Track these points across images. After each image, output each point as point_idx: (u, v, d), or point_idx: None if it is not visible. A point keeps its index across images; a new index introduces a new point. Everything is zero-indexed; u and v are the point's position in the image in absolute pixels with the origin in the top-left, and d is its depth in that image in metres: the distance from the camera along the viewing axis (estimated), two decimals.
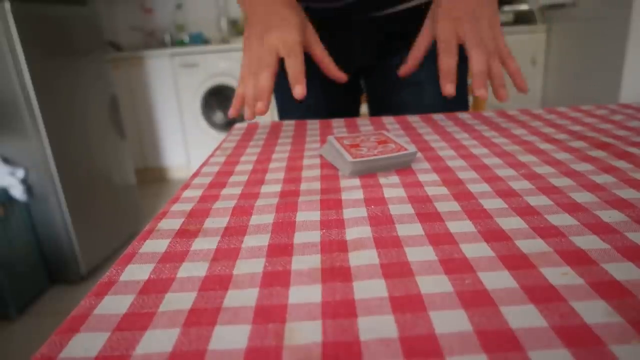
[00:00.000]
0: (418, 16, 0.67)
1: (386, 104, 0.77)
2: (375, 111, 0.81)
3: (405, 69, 0.58)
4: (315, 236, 0.30)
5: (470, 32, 0.51)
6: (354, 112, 0.84)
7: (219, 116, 2.89)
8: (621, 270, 0.24)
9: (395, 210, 0.33)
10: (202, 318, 0.22)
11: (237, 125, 0.64)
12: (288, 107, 0.79)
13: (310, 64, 0.76)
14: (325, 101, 0.78)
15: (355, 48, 0.74)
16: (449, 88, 0.51)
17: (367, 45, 0.74)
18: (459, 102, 0.74)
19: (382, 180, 0.39)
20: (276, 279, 0.25)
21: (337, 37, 0.70)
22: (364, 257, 0.27)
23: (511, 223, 0.30)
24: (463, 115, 0.61)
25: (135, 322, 0.22)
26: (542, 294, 0.22)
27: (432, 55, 0.71)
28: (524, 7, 2.65)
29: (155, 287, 0.25)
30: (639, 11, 1.82)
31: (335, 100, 0.79)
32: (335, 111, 0.78)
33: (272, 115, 2.77)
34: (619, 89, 1.95)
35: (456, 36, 0.52)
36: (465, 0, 0.53)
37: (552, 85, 2.57)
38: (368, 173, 0.41)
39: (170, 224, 0.33)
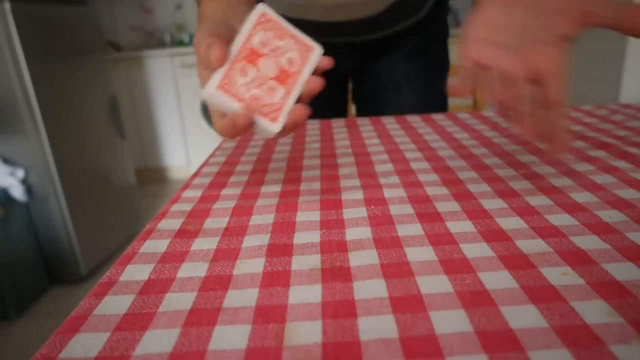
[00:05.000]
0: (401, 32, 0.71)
1: (369, 105, 0.80)
2: (360, 112, 0.84)
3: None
4: (315, 236, 0.30)
5: None
6: (343, 110, 0.87)
7: None
8: (621, 270, 0.24)
9: (395, 210, 0.33)
10: (202, 318, 0.22)
11: None
12: None
13: None
14: (317, 98, 0.80)
15: (339, 55, 0.77)
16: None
17: (350, 53, 0.77)
18: (438, 104, 0.76)
19: (382, 180, 0.39)
20: (276, 279, 0.25)
21: (321, 44, 0.73)
22: (364, 257, 0.27)
23: (511, 223, 0.30)
24: (463, 115, 0.61)
25: (135, 322, 0.22)
26: (542, 294, 0.22)
27: (410, 57, 0.74)
28: None
29: (155, 287, 0.25)
30: None
31: (326, 97, 0.82)
32: (327, 108, 0.80)
33: None
34: (619, 89, 1.95)
35: None
36: None
37: None
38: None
39: (170, 224, 0.33)
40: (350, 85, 0.87)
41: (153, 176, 2.98)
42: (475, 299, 0.22)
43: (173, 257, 0.28)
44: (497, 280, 0.24)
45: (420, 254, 0.27)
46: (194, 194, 0.39)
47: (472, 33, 0.34)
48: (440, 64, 0.78)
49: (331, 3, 0.63)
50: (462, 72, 0.35)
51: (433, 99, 0.76)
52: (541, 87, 0.31)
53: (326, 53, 0.85)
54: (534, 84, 0.31)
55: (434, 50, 0.77)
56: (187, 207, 0.36)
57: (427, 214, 0.32)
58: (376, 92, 0.78)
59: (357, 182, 0.39)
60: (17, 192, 1.59)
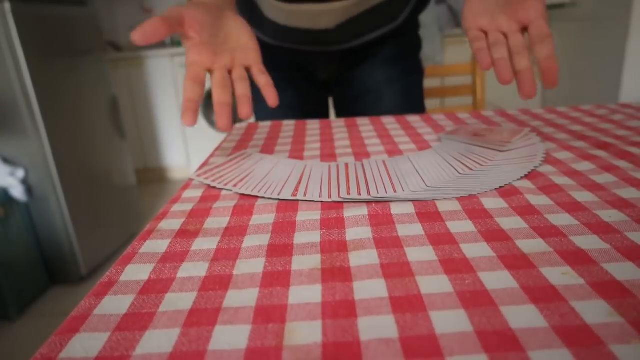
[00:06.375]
0: (379, 39, 0.74)
1: (350, 109, 0.82)
2: (341, 115, 0.86)
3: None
4: (315, 236, 0.30)
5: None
6: (326, 112, 0.89)
7: None
8: (621, 270, 0.24)
9: (395, 210, 0.33)
10: (202, 318, 0.22)
11: (237, 126, 0.64)
12: (264, 107, 0.82)
13: (286, 66, 0.80)
14: (300, 101, 0.82)
15: (319, 63, 0.80)
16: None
17: (330, 61, 0.79)
18: (416, 107, 0.79)
19: None
20: (276, 279, 0.25)
21: (302, 52, 0.75)
22: (364, 257, 0.27)
23: (511, 223, 0.30)
24: (463, 115, 0.61)
25: (135, 322, 0.22)
26: (542, 294, 0.22)
27: (388, 63, 0.76)
28: None
29: (155, 287, 0.25)
30: (639, 11, 1.82)
31: (309, 101, 0.84)
32: (309, 111, 0.82)
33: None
34: (619, 89, 1.95)
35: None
36: None
37: None
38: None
39: (171, 224, 0.33)
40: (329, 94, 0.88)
41: (153, 176, 2.98)
42: (475, 299, 0.22)
43: (173, 257, 0.28)
44: (497, 280, 0.24)
45: (420, 254, 0.27)
46: (194, 194, 0.39)
47: (469, 9, 0.46)
48: (416, 70, 0.82)
49: (315, 9, 0.65)
50: (471, 42, 0.44)
51: (412, 103, 0.80)
52: (529, 32, 0.42)
53: (307, 60, 0.88)
54: (522, 32, 0.43)
55: (409, 58, 0.80)
56: (188, 207, 0.36)
57: (428, 214, 0.32)
58: (356, 98, 0.81)
59: None
60: (17, 192, 1.59)
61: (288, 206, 0.35)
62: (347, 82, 0.81)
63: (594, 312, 0.21)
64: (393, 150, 0.48)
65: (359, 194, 0.36)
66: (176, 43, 3.08)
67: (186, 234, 0.31)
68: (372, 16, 0.69)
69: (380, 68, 0.77)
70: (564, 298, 0.22)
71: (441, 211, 0.32)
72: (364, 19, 0.69)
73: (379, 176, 0.39)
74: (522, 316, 0.21)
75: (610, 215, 0.30)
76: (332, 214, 0.33)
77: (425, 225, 0.30)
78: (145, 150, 2.91)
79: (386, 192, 0.35)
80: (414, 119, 0.62)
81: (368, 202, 0.34)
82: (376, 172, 0.40)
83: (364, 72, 0.78)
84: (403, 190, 0.36)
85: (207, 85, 2.74)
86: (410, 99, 0.79)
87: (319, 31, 0.69)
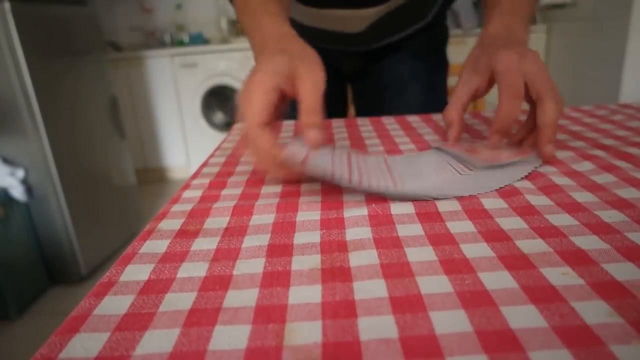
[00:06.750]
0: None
1: (372, 104, 0.80)
2: (361, 111, 0.84)
3: (455, 136, 0.47)
4: (315, 236, 0.30)
5: (542, 76, 0.41)
6: (343, 110, 0.88)
7: (218, 116, 2.89)
8: (621, 271, 0.24)
9: (395, 210, 0.33)
10: (202, 318, 0.22)
11: (237, 126, 0.64)
12: None
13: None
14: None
15: (341, 58, 0.78)
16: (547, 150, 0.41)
17: (353, 55, 0.77)
18: (441, 102, 0.78)
19: None
20: (276, 279, 0.25)
21: (323, 49, 0.74)
22: (364, 257, 0.27)
23: (511, 223, 0.30)
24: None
25: (135, 322, 0.22)
26: (542, 294, 0.22)
27: (414, 57, 0.75)
28: None
29: (155, 287, 0.25)
30: (639, 11, 1.82)
31: (328, 98, 0.83)
32: (328, 109, 0.82)
33: None
34: (619, 89, 1.95)
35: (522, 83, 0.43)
36: (520, 46, 0.44)
37: None
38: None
39: (171, 224, 0.33)
40: (349, 86, 0.87)
41: (153, 176, 2.98)
42: (475, 299, 0.22)
43: (173, 257, 0.28)
44: (497, 280, 0.24)
45: (420, 254, 0.27)
46: (194, 194, 0.39)
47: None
48: (441, 65, 0.80)
49: (346, 14, 0.64)
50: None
51: (436, 98, 0.78)
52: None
53: (329, 54, 0.87)
54: None
55: (436, 52, 0.78)
56: (187, 207, 0.36)
57: (428, 214, 0.32)
58: (380, 91, 0.78)
59: None
60: (17, 192, 1.59)
61: (288, 206, 0.35)
62: (370, 75, 0.78)
63: (594, 312, 0.21)
64: (393, 150, 0.48)
65: (360, 183, 0.35)
66: (176, 43, 3.08)
67: (186, 234, 0.31)
68: (401, 16, 0.68)
69: (406, 62, 0.76)
70: (564, 298, 0.22)
71: (441, 211, 0.32)
72: (393, 19, 0.67)
73: (379, 170, 0.39)
74: (522, 316, 0.21)
75: (610, 216, 0.30)
76: (332, 214, 0.33)
77: (425, 226, 0.30)
78: (145, 150, 2.91)
79: (386, 186, 0.35)
80: (413, 119, 0.62)
81: (368, 201, 0.34)
82: (377, 168, 0.40)
83: (390, 65, 0.76)
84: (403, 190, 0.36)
85: (208, 84, 2.74)
86: (434, 95, 0.77)
87: (346, 33, 0.68)
